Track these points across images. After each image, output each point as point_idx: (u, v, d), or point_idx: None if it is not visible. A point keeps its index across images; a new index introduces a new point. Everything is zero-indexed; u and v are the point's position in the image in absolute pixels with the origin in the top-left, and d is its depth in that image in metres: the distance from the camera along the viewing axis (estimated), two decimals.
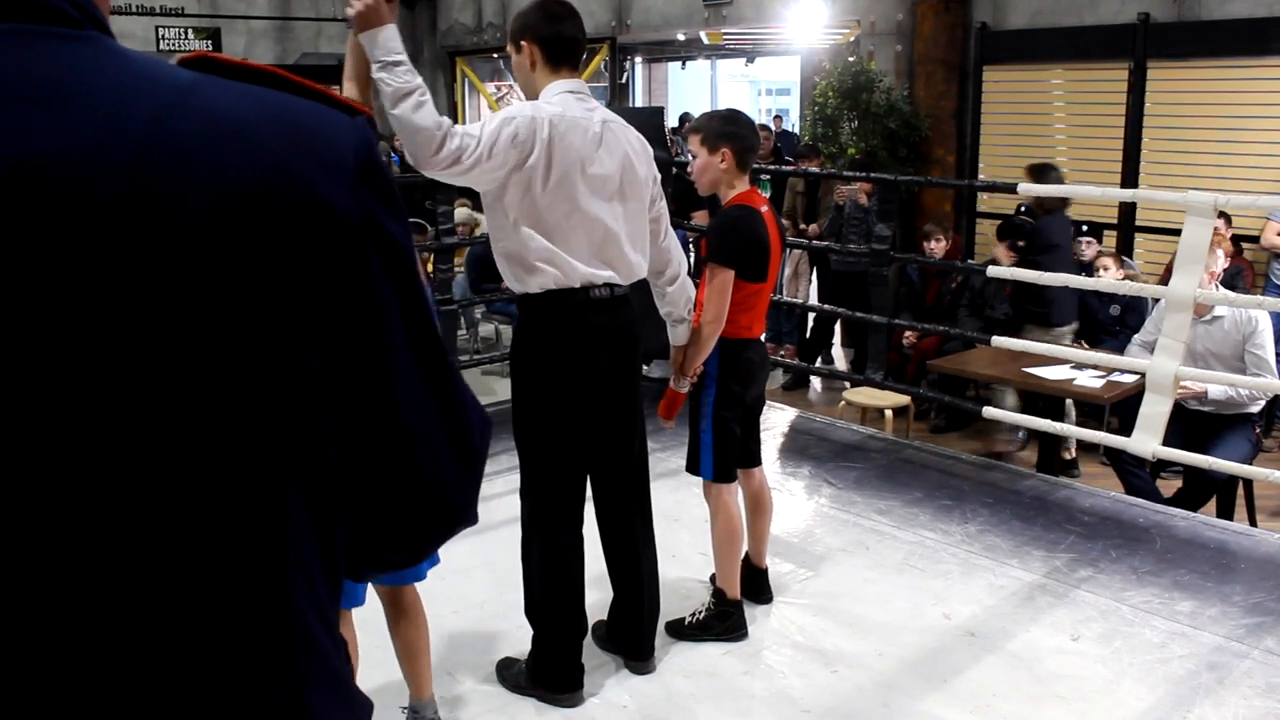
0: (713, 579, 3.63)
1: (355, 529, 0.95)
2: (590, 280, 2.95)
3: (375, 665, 3.10)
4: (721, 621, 3.51)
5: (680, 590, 3.74)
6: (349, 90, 2.76)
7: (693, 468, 3.51)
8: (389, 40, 2.59)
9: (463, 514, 0.98)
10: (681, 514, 4.35)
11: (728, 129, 3.35)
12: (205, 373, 0.78)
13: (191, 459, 0.79)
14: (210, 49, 12.01)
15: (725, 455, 3.45)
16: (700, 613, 3.54)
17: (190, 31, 12.09)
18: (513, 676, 3.23)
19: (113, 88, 0.78)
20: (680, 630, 3.52)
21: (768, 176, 8.29)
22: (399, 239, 0.87)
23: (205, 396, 0.79)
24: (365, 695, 0.99)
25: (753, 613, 3.63)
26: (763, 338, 3.60)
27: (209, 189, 0.77)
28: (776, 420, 5.72)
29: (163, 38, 11.74)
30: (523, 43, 2.96)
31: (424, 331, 0.90)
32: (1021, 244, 6.24)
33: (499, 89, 14.95)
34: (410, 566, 1.07)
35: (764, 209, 3.40)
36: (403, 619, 2.80)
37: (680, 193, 6.79)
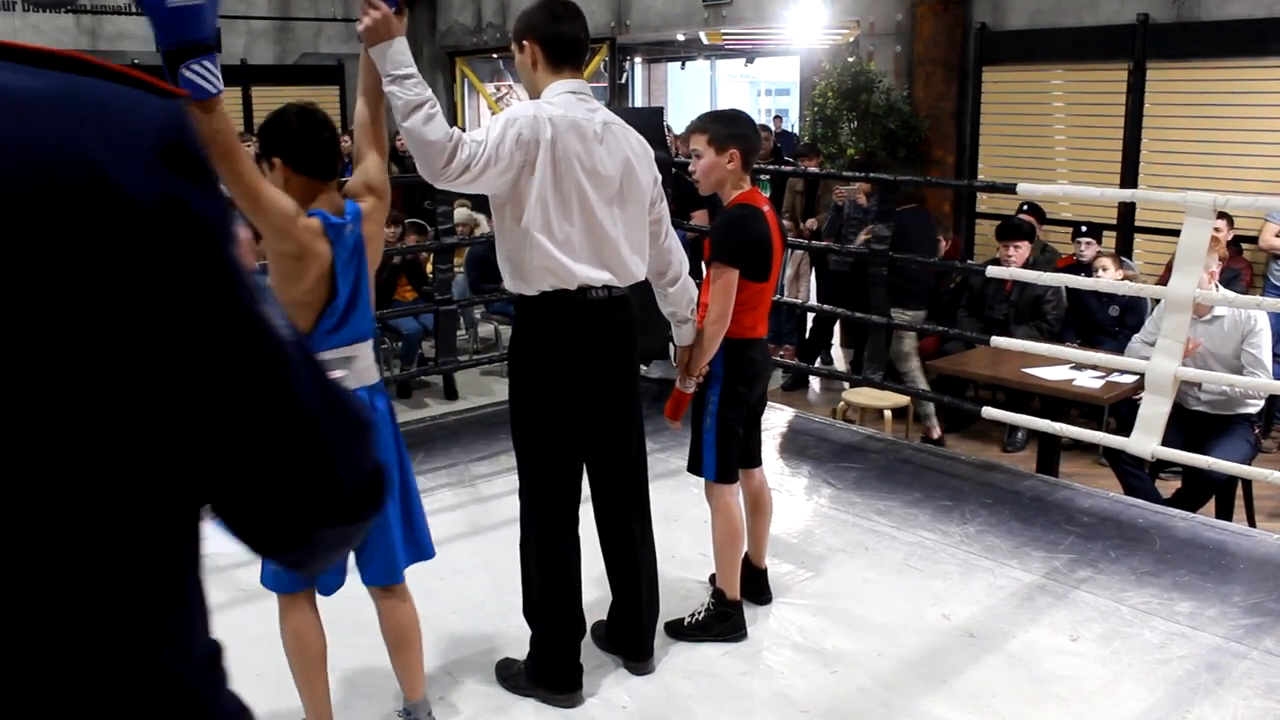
0: (712, 579, 3.63)
1: (230, 515, 0.92)
2: (588, 282, 2.96)
3: (377, 668, 3.11)
4: (721, 622, 3.51)
5: (680, 590, 3.74)
6: (359, 105, 2.77)
7: (695, 468, 3.51)
8: (399, 53, 2.62)
9: (340, 494, 0.93)
10: (681, 514, 4.35)
11: (736, 130, 3.36)
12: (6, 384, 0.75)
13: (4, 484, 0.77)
14: None
15: (728, 456, 3.45)
16: (700, 613, 3.54)
17: None
18: (512, 677, 3.23)
19: None
20: (680, 630, 3.52)
21: (767, 177, 8.29)
22: (210, 220, 0.83)
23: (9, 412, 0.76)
24: (235, 712, 0.97)
25: (752, 613, 3.63)
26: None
27: None
28: (776, 420, 5.72)
29: None
30: (525, 42, 2.96)
31: (248, 313, 0.86)
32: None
33: (499, 89, 14.95)
34: (294, 556, 1.02)
35: (766, 208, 3.40)
36: (389, 620, 2.82)
37: (680, 193, 6.79)
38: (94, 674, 0.84)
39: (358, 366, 2.64)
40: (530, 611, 3.18)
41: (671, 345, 3.48)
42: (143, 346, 0.80)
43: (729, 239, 3.34)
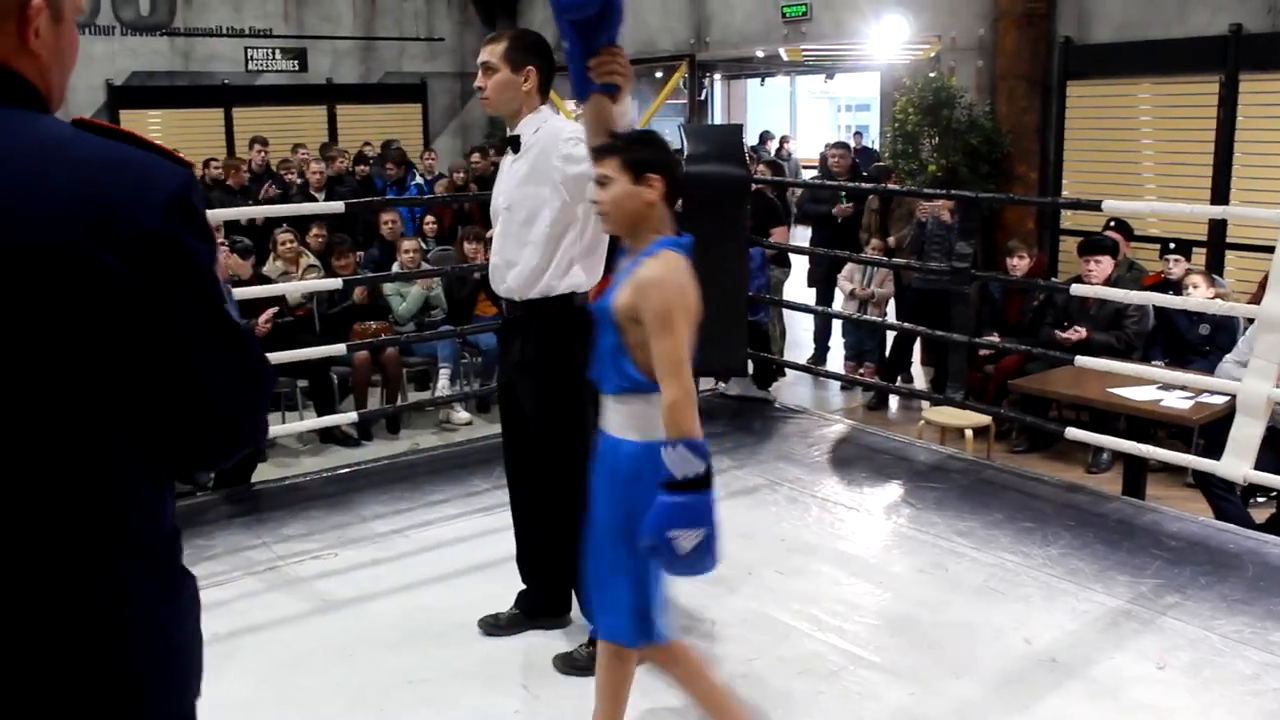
0: None
1: (175, 450, 1.35)
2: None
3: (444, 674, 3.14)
4: None
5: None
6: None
7: None
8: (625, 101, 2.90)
9: (248, 434, 1.41)
10: (756, 532, 4.32)
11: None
12: (38, 367, 1.19)
13: (37, 427, 1.20)
14: (296, 69, 12.32)
15: None
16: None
17: (278, 52, 12.38)
18: (582, 659, 3.33)
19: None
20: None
21: (845, 194, 8.25)
22: (199, 254, 1.27)
23: (41, 384, 1.19)
24: (188, 577, 1.38)
25: (830, 634, 3.60)
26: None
27: (43, 213, 1.18)
28: (856, 439, 5.67)
29: (251, 58, 12.09)
30: (529, 68, 3.31)
31: (219, 316, 1.30)
32: None
33: (577, 106, 15.06)
34: (207, 470, 1.39)
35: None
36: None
37: (759, 210, 6.80)
38: (75, 533, 1.24)
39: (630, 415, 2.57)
40: None
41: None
42: (147, 324, 1.24)
43: None
